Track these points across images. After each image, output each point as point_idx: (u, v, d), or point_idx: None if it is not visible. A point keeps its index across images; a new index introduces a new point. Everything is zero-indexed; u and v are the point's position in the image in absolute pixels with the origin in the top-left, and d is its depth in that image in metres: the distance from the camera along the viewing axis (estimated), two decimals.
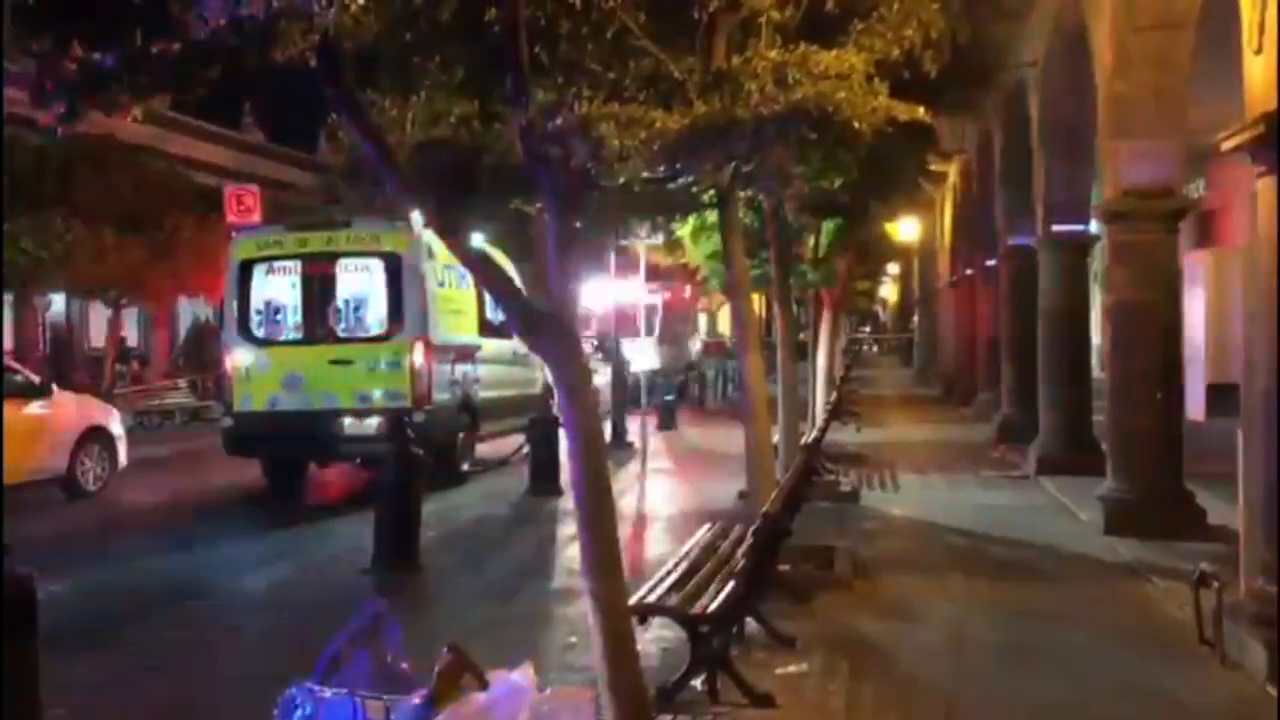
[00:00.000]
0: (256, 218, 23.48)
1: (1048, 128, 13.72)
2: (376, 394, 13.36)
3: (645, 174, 6.07)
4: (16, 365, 14.65)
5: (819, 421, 12.62)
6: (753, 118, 5.46)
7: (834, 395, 14.08)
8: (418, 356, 13.42)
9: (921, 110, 6.72)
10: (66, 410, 13.76)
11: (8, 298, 24.95)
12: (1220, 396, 16.69)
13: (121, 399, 22.40)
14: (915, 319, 44.01)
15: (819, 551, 9.04)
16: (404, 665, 4.24)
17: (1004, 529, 10.78)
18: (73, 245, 21.84)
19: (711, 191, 8.29)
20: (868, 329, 63.98)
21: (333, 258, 13.68)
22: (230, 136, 34.60)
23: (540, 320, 4.57)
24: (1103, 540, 10.03)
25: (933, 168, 20.92)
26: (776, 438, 11.05)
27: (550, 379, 4.85)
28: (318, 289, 13.76)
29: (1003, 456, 15.87)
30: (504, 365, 15.70)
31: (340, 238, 13.73)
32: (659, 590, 6.15)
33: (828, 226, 14.47)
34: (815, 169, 7.36)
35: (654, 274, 25.76)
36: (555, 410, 12.62)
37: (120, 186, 22.95)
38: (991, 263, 19.27)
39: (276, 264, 13.86)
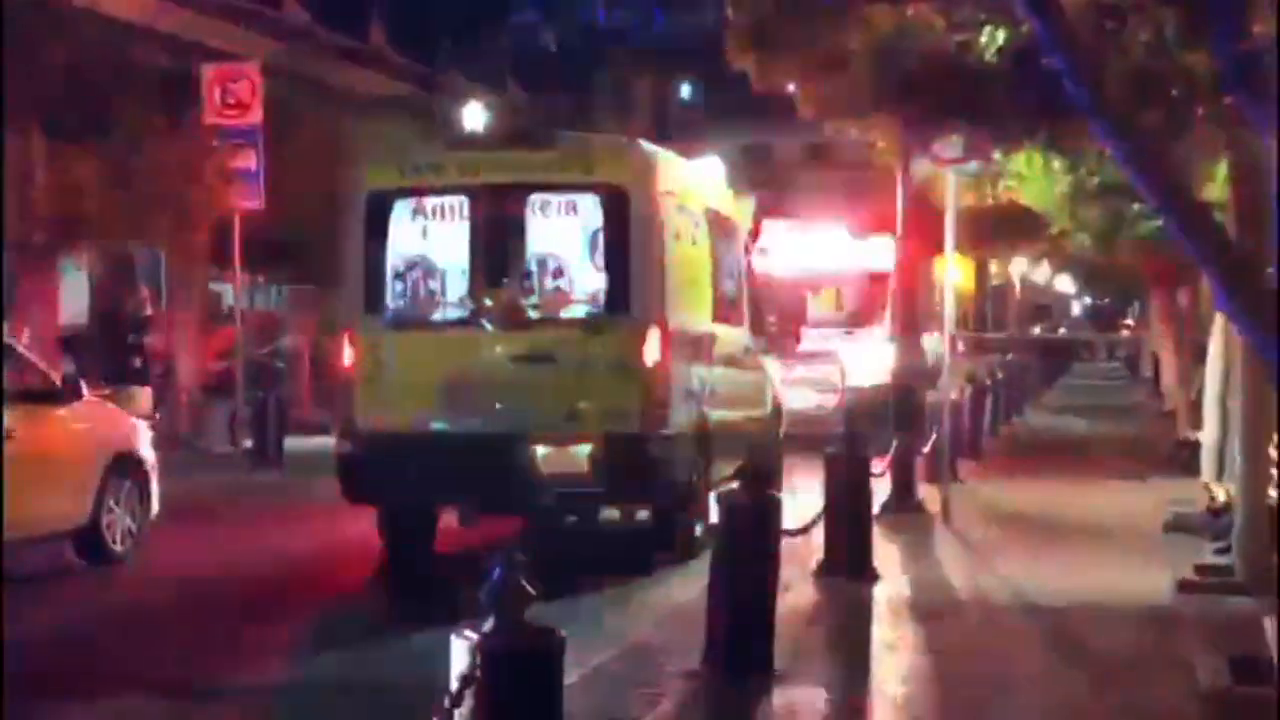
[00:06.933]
0: (254, 118, 16.42)
1: None
2: (588, 408, 8.42)
3: None
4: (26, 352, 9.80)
5: None
6: None
7: None
8: (652, 350, 8.52)
9: None
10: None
11: None
12: None
13: None
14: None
15: None
16: None
17: None
18: None
19: None
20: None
21: (521, 193, 8.73)
22: (257, 12, 21.12)
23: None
24: None
25: None
26: None
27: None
28: (495, 243, 8.81)
29: None
30: (735, 368, 10.71)
31: (533, 161, 8.78)
32: None
33: None
34: None
35: None
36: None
37: (52, 62, 13.72)
38: None
39: (430, 201, 8.83)
